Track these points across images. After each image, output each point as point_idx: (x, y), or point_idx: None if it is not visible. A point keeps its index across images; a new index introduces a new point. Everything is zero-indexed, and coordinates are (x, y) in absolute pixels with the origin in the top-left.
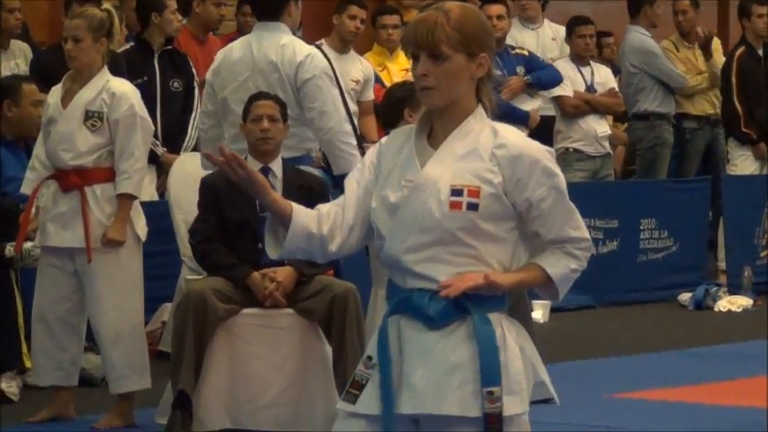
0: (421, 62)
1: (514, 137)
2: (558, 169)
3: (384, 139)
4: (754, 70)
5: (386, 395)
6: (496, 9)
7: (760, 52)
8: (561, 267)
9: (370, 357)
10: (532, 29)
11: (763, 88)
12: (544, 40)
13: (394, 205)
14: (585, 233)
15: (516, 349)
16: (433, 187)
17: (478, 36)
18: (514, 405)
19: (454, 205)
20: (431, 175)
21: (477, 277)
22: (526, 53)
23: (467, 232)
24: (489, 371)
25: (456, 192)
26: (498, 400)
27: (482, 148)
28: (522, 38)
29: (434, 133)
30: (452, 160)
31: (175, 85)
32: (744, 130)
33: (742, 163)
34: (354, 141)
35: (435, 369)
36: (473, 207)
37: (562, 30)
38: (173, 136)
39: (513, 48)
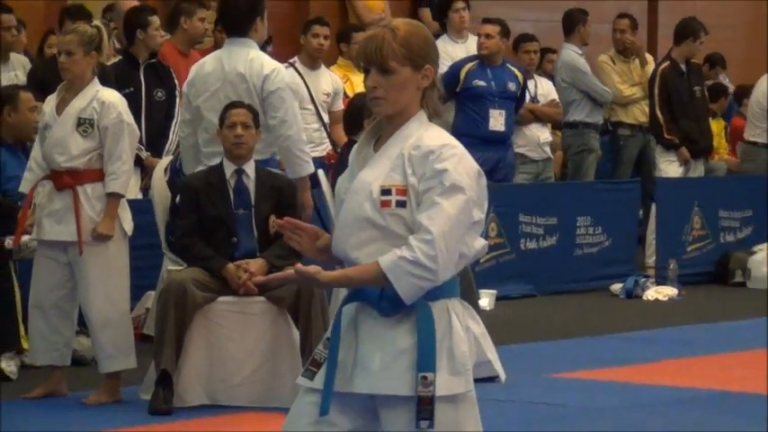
0: (371, 75)
1: (431, 137)
2: (451, 164)
3: (355, 146)
4: (677, 83)
5: (328, 371)
6: (488, 29)
7: (683, 67)
8: (391, 255)
9: (328, 339)
10: (461, 43)
11: (686, 100)
12: (472, 52)
13: (339, 207)
14: (434, 226)
15: (462, 333)
16: (366, 189)
17: (423, 50)
18: (459, 384)
19: (384, 204)
20: (365, 177)
21: (291, 274)
22: (519, 75)
23: (401, 226)
24: (424, 358)
25: (385, 191)
26: (431, 384)
27: (406, 149)
28: (455, 50)
29: (381, 139)
30: (386, 162)
31: (159, 94)
32: (666, 136)
33: (667, 167)
34: (307, 149)
35: (387, 354)
36: (401, 204)
37: None
38: (156, 141)
39: (512, 66)
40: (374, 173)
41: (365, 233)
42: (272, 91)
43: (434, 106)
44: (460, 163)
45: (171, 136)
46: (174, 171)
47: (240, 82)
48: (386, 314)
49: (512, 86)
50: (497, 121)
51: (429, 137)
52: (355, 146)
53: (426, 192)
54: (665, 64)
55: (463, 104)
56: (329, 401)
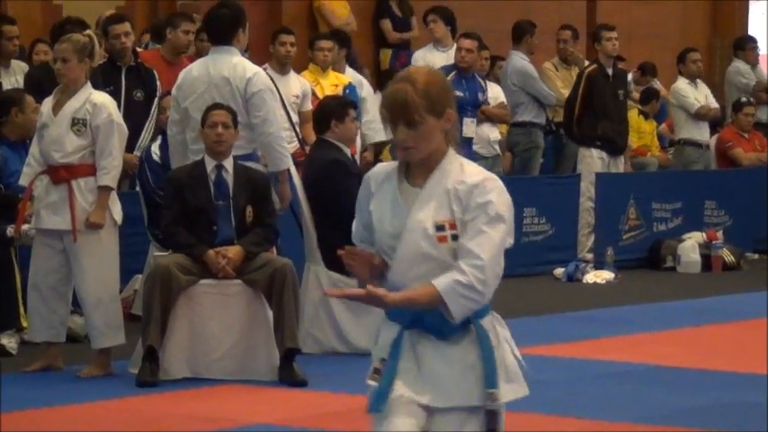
0: (399, 129)
1: (472, 173)
2: (495, 196)
3: (370, 176)
4: (602, 86)
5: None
6: (467, 43)
7: (609, 71)
8: (445, 278)
9: (383, 359)
10: (443, 51)
11: (609, 102)
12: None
13: (392, 247)
14: (484, 253)
15: (506, 345)
16: (420, 227)
17: (442, 97)
18: (515, 391)
19: (441, 239)
20: (418, 217)
21: (360, 291)
22: (484, 85)
23: (452, 255)
24: (489, 375)
25: (439, 227)
26: (497, 398)
27: (450, 184)
28: (433, 58)
29: (412, 173)
30: (434, 200)
31: (138, 95)
32: (579, 134)
33: (588, 164)
34: (286, 145)
35: (456, 370)
36: (455, 238)
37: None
38: (130, 138)
39: (479, 76)
40: (425, 212)
41: (424, 266)
42: (254, 92)
43: (455, 139)
44: (501, 195)
45: (143, 133)
46: (143, 165)
47: (224, 85)
48: (445, 336)
49: (480, 96)
50: (469, 128)
51: (470, 172)
52: (384, 176)
53: (472, 221)
54: (593, 67)
55: None
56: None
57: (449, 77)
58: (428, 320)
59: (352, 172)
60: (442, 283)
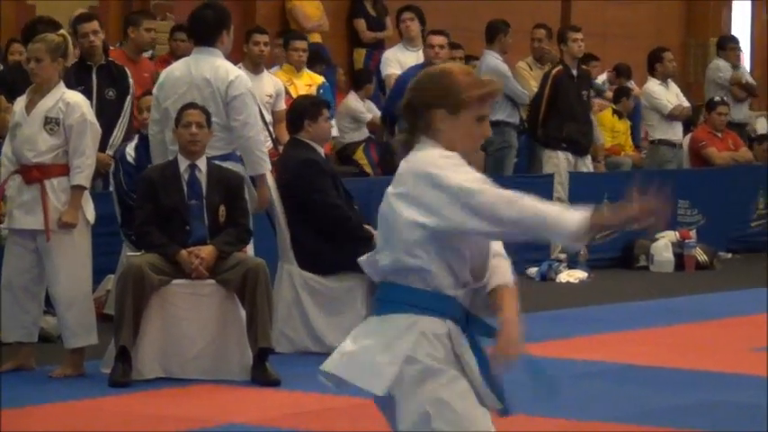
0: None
1: None
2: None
3: None
4: (567, 87)
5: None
6: (439, 39)
7: (574, 72)
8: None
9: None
10: (413, 50)
11: (574, 102)
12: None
13: None
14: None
15: None
16: None
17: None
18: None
19: None
20: None
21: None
22: None
23: None
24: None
25: None
26: None
27: None
28: (404, 58)
29: None
30: None
31: (110, 94)
32: (544, 135)
33: (555, 164)
34: (265, 149)
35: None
36: None
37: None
38: (102, 136)
39: None
40: None
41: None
42: (235, 96)
43: None
44: None
45: (115, 132)
46: (118, 165)
47: (206, 86)
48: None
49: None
50: None
51: None
52: None
53: None
54: (558, 69)
55: None
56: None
57: None
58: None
59: (325, 171)
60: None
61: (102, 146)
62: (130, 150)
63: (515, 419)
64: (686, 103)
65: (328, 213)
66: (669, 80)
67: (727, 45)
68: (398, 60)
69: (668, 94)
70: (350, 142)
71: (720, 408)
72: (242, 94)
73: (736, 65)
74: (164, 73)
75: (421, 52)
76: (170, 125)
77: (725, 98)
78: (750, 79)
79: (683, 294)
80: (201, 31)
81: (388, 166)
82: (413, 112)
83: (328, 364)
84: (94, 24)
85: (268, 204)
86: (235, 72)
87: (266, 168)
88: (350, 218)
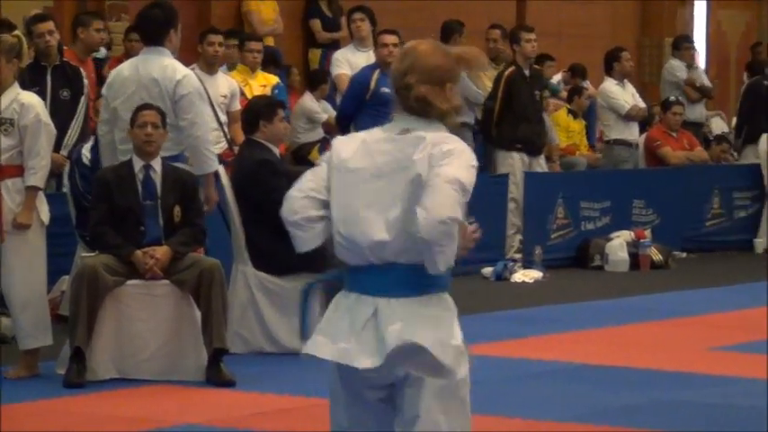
0: None
1: None
2: None
3: None
4: (519, 87)
5: None
6: (391, 38)
7: (527, 72)
8: None
9: None
10: (364, 51)
11: (527, 103)
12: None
13: None
14: None
15: None
16: None
17: None
18: None
19: None
20: None
21: None
22: None
23: None
24: None
25: None
26: None
27: None
28: (355, 59)
29: None
30: None
31: (64, 94)
32: (498, 136)
33: (510, 165)
34: (214, 148)
35: None
36: None
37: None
38: (59, 137)
39: None
40: None
41: None
42: (183, 95)
43: None
44: None
45: (69, 132)
46: (73, 166)
47: (154, 86)
48: None
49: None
50: None
51: None
52: None
53: None
54: (511, 69)
55: (371, 110)
56: None
57: (374, 76)
58: None
59: (280, 171)
60: None
61: (57, 146)
62: (86, 152)
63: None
64: (642, 104)
65: None
66: (626, 80)
67: (682, 45)
68: (348, 61)
69: (625, 95)
70: (305, 142)
71: (675, 407)
72: (189, 93)
73: (691, 65)
74: (113, 73)
75: (371, 53)
76: (119, 125)
77: (680, 98)
78: (706, 81)
79: (638, 294)
80: (149, 31)
81: None
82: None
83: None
84: (50, 25)
85: (216, 204)
86: (182, 71)
87: (213, 168)
88: None
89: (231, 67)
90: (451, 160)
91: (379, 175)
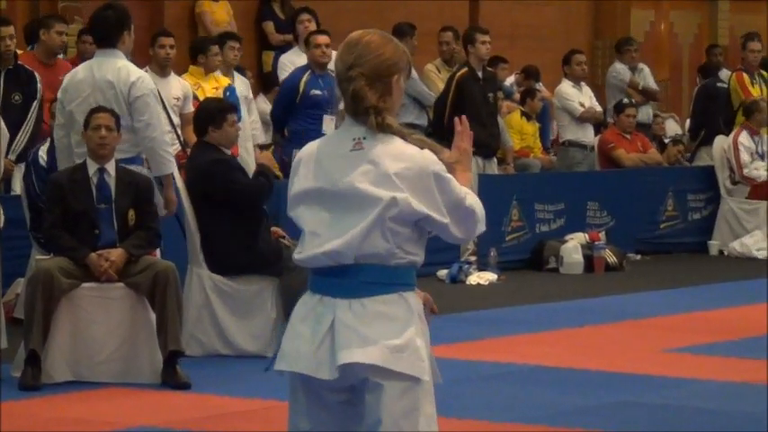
0: None
1: None
2: None
3: None
4: (472, 89)
5: None
6: (324, 39)
7: (479, 74)
8: None
9: None
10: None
11: (480, 105)
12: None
13: None
14: None
15: None
16: None
17: None
18: None
19: None
20: None
21: None
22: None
23: None
24: None
25: None
26: None
27: None
28: (300, 61)
29: None
30: None
31: (16, 98)
32: (450, 138)
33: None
34: (171, 149)
35: None
36: None
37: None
38: (9, 141)
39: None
40: None
41: None
42: (137, 96)
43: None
44: None
45: (19, 136)
46: (29, 169)
47: (108, 88)
48: None
49: (338, 92)
50: (329, 126)
51: None
52: None
53: None
54: (463, 71)
55: (302, 112)
56: None
57: (303, 78)
58: None
59: (234, 167)
60: None
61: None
62: (43, 154)
63: None
64: (599, 107)
65: (251, 195)
66: (582, 83)
67: (624, 47)
68: (294, 64)
69: (581, 96)
70: (260, 144)
71: (629, 408)
72: (144, 94)
73: (633, 67)
74: (67, 76)
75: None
76: (75, 128)
77: (632, 100)
78: (651, 83)
79: (593, 296)
80: (102, 32)
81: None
82: (371, 85)
83: (369, 356)
84: (10, 29)
85: (176, 205)
86: (137, 73)
87: (171, 169)
88: (272, 186)
89: (212, 71)
90: (442, 184)
91: (335, 195)
